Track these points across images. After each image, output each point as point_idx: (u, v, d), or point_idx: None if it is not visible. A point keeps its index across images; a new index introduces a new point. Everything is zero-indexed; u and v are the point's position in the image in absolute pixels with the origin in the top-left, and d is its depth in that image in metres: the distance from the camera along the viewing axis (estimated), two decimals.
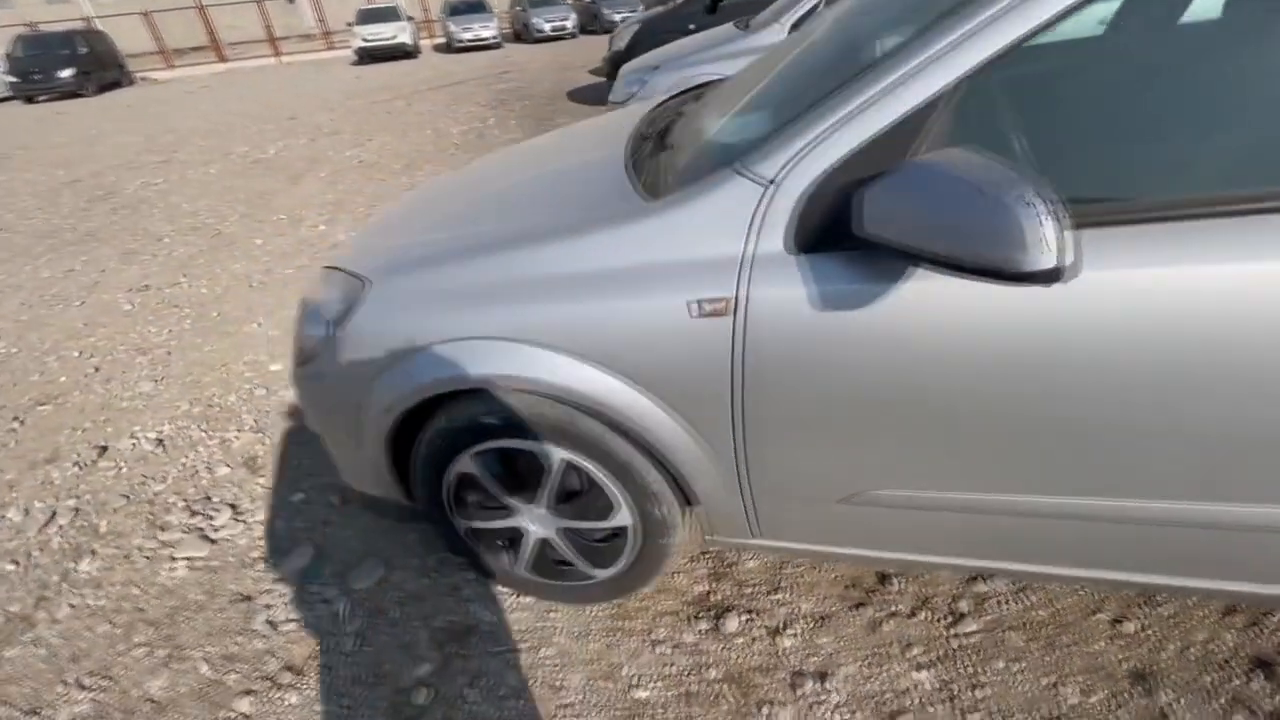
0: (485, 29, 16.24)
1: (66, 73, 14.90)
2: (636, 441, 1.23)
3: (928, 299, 0.94)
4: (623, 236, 1.11)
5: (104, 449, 2.37)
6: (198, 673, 1.51)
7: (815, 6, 3.79)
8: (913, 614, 1.49)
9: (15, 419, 2.61)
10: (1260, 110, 0.91)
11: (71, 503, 2.11)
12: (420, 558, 1.75)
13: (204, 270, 4.03)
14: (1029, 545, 1.17)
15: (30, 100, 15.00)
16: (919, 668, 1.37)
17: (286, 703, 1.43)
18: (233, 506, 2.00)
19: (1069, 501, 1.04)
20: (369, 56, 16.18)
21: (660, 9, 7.55)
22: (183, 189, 6.01)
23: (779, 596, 1.56)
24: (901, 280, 0.95)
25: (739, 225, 1.02)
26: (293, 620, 1.61)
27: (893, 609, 1.50)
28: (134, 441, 2.39)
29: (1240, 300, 0.81)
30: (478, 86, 10.47)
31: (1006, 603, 1.48)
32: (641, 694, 1.38)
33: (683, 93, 2.02)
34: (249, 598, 1.69)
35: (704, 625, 1.51)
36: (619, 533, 1.40)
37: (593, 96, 8.37)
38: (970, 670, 1.36)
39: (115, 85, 16.63)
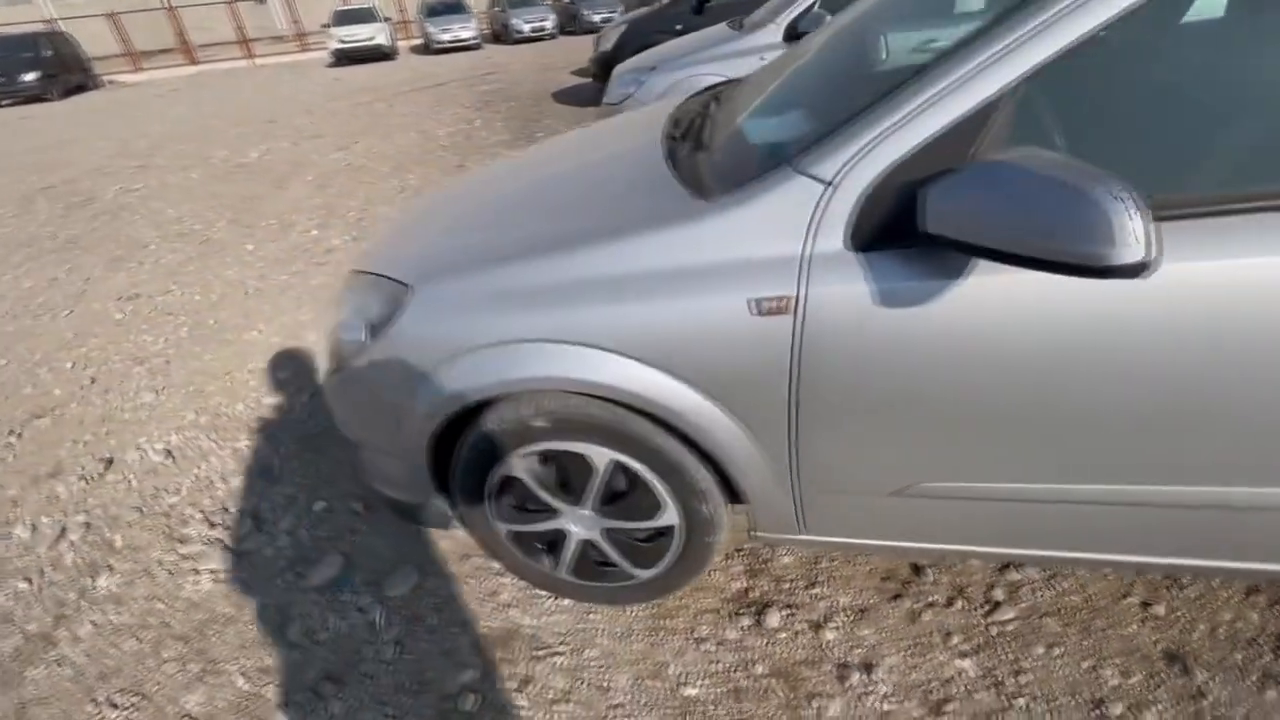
0: (464, 30, 16.12)
1: (30, 76, 14.46)
2: (687, 440, 1.24)
3: (989, 294, 0.96)
4: (678, 237, 1.12)
5: (110, 462, 2.31)
6: (234, 686, 1.49)
7: (810, 6, 3.83)
8: (949, 603, 1.52)
9: (11, 433, 2.53)
10: None
11: (81, 518, 2.05)
12: (454, 563, 1.74)
13: (196, 277, 3.94)
14: (1074, 532, 1.20)
15: None
16: (961, 656, 1.40)
17: (330, 713, 1.41)
18: (254, 517, 1.97)
19: (1121, 489, 1.08)
20: (345, 58, 15.95)
21: (646, 10, 7.57)
22: (164, 194, 5.87)
23: (817, 590, 1.58)
24: (962, 277, 0.97)
25: (798, 224, 1.04)
26: (328, 630, 1.59)
27: (930, 599, 1.53)
28: (141, 453, 2.33)
29: None
30: (460, 88, 10.38)
31: (1040, 590, 1.52)
32: (690, 691, 1.39)
33: (703, 92, 2.03)
34: (280, 608, 1.67)
35: (746, 621, 1.52)
36: (664, 532, 1.40)
37: (579, 97, 8.35)
38: (1011, 657, 1.39)
39: (81, 89, 16.19)
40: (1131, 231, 0.71)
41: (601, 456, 1.31)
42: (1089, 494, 1.10)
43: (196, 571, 1.80)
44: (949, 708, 1.30)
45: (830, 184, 1.01)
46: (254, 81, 14.64)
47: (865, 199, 1.00)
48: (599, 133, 2.01)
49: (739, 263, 1.07)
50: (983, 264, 0.96)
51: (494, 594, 1.65)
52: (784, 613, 1.53)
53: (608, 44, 7.21)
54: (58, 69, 15.16)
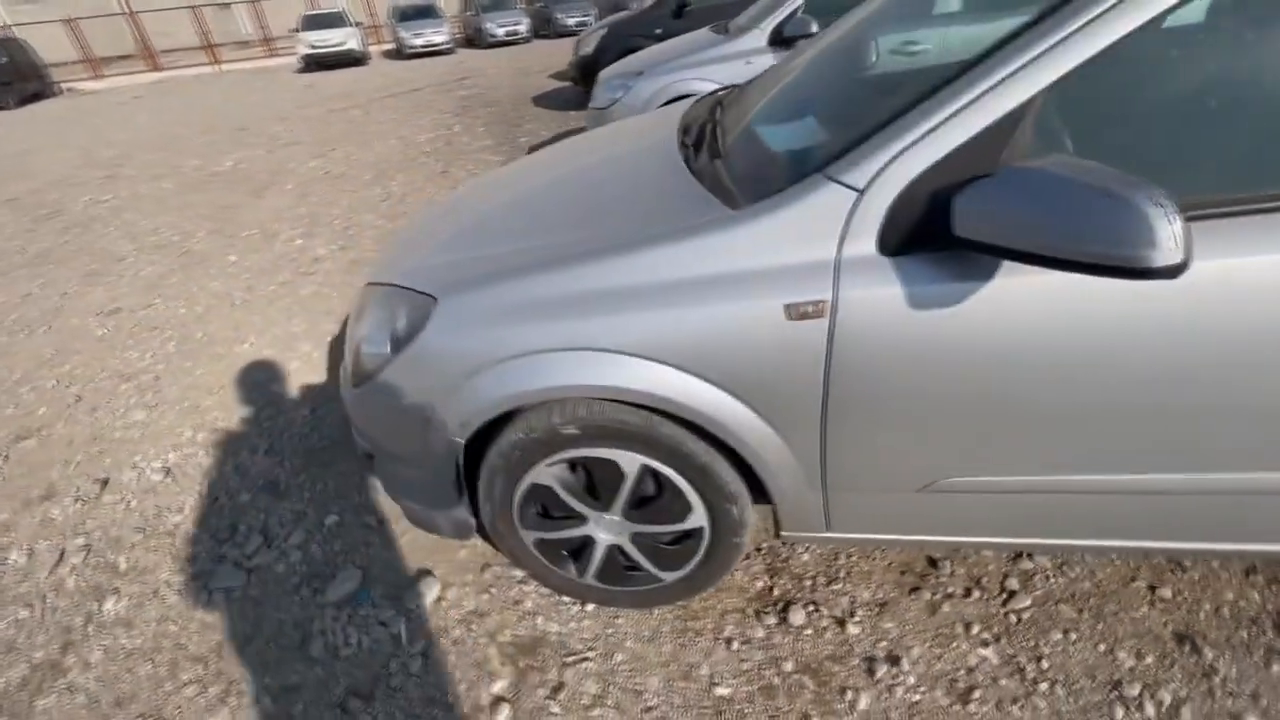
0: (437, 34, 15.98)
1: None
2: (716, 443, 1.26)
3: (1017, 295, 1.00)
4: (711, 245, 1.14)
5: (105, 482, 2.25)
6: (259, 707, 1.46)
7: (794, 12, 3.89)
8: (967, 594, 1.56)
9: None
10: None
11: (80, 541, 2.00)
12: (474, 573, 1.73)
13: (178, 290, 3.85)
14: (1092, 520, 1.25)
15: None
16: (983, 644, 1.44)
17: None
18: (263, 533, 1.94)
19: (1141, 478, 1.12)
20: (316, 64, 15.69)
21: (626, 14, 7.60)
22: (137, 205, 5.72)
23: (838, 586, 1.61)
24: (990, 279, 1.01)
25: (830, 230, 1.07)
26: (351, 645, 1.58)
27: (947, 590, 1.57)
28: (138, 472, 2.28)
29: None
30: (437, 93, 10.29)
31: (1052, 577, 1.57)
32: (722, 691, 1.41)
33: (707, 98, 2.05)
34: (299, 625, 1.64)
35: (771, 620, 1.55)
36: (691, 534, 1.42)
37: (559, 102, 8.35)
38: (1030, 644, 1.43)
39: (38, 97, 15.67)
40: (1171, 235, 0.75)
41: (632, 462, 1.32)
42: (1109, 484, 1.15)
43: (209, 590, 1.77)
44: (975, 695, 1.34)
45: (862, 191, 1.04)
46: (221, 88, 14.33)
47: (895, 205, 1.03)
48: (610, 139, 2.02)
49: (773, 269, 1.09)
50: (1009, 266, 1.00)
51: (518, 602, 1.65)
52: (807, 609, 1.56)
53: (588, 48, 7.22)
54: (12, 76, 14.66)
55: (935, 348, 1.06)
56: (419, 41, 15.95)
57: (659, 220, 1.24)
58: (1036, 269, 0.96)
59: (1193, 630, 1.43)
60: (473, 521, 1.54)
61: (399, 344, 1.36)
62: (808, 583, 1.63)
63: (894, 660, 1.43)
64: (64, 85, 16.93)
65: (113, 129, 10.12)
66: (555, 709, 1.40)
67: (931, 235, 1.02)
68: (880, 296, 1.05)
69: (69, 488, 2.24)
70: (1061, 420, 1.08)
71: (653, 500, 1.39)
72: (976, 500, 1.25)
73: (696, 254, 1.14)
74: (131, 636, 1.66)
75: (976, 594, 1.56)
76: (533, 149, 6.17)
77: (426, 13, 16.99)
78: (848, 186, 1.05)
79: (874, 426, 1.16)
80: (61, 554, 1.95)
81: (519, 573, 1.72)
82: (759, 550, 1.72)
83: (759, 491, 1.37)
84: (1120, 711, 1.29)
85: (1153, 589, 1.53)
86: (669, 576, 1.50)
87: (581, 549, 1.52)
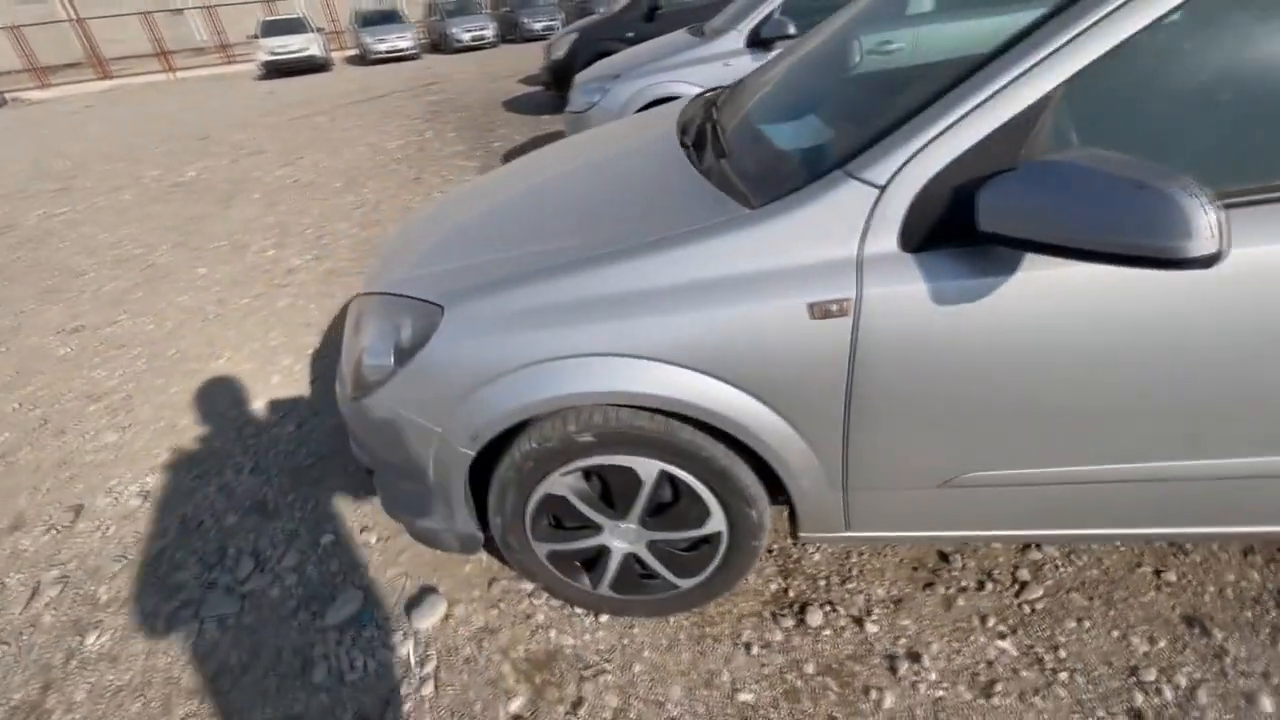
0: (402, 40, 15.76)
1: None
2: (736, 445, 1.25)
3: (1042, 288, 1.00)
4: (730, 245, 1.12)
5: (79, 509, 2.14)
6: None
7: (771, 13, 3.92)
8: (980, 587, 1.57)
9: None
10: None
11: (55, 573, 1.89)
12: (481, 588, 1.68)
13: (145, 305, 3.70)
14: (1108, 511, 1.26)
15: None
16: (1000, 637, 1.45)
17: None
18: (254, 556, 1.86)
19: (1163, 465, 1.14)
20: (276, 70, 15.34)
21: (597, 17, 7.57)
22: (95, 218, 5.50)
23: (852, 585, 1.61)
24: (1016, 273, 1.01)
25: (852, 228, 1.06)
26: (356, 670, 1.52)
27: (961, 584, 1.58)
28: (114, 497, 2.17)
29: None
30: (405, 99, 10.13)
31: (1061, 567, 1.59)
32: (746, 697, 1.39)
33: (700, 97, 2.04)
34: (299, 651, 1.58)
35: (788, 622, 1.53)
36: (708, 539, 1.40)
37: (531, 107, 8.28)
38: (1046, 634, 1.45)
39: None
40: (1207, 225, 0.76)
41: (649, 468, 1.30)
42: (1127, 472, 1.16)
43: (199, 618, 1.68)
44: (998, 688, 1.35)
45: (882, 187, 1.03)
46: (177, 96, 13.90)
47: (916, 201, 1.02)
48: (598, 142, 1.99)
49: (794, 268, 1.08)
50: (1033, 259, 1.00)
51: (528, 616, 1.60)
52: (824, 610, 1.55)
53: (560, 52, 7.17)
54: None
55: (960, 343, 1.06)
56: (383, 47, 15.71)
57: (672, 222, 1.22)
58: (1061, 262, 0.98)
59: (1200, 612, 1.46)
60: (481, 535, 1.50)
61: (403, 355, 1.31)
62: (822, 582, 1.62)
63: (915, 657, 1.43)
64: (7, 95, 16.22)
65: (63, 140, 9.73)
66: None
67: (953, 231, 1.02)
68: (904, 293, 1.04)
69: (39, 516, 2.12)
70: (1086, 411, 1.09)
71: (670, 506, 1.37)
72: (996, 494, 1.25)
73: (715, 254, 1.12)
74: (118, 672, 1.57)
75: (990, 586, 1.56)
76: (508, 154, 6.11)
77: (390, 18, 16.76)
78: (868, 183, 1.04)
79: (897, 423, 1.15)
80: (36, 588, 1.84)
81: (527, 585, 1.67)
82: (770, 552, 1.71)
83: (776, 493, 1.36)
84: (1140, 697, 1.30)
85: (1158, 573, 1.56)
86: (686, 583, 1.48)
87: (596, 559, 1.48)
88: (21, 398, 2.86)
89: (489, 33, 16.46)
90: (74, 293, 3.99)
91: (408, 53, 15.84)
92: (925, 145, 1.01)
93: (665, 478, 1.31)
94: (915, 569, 1.63)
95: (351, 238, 4.38)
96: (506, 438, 1.32)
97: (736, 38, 4.02)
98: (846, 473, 1.24)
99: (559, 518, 1.44)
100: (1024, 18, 1.04)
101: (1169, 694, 1.31)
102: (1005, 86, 0.96)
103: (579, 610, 1.60)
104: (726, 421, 1.18)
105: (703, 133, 1.61)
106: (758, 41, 3.96)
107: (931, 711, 1.33)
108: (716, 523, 1.36)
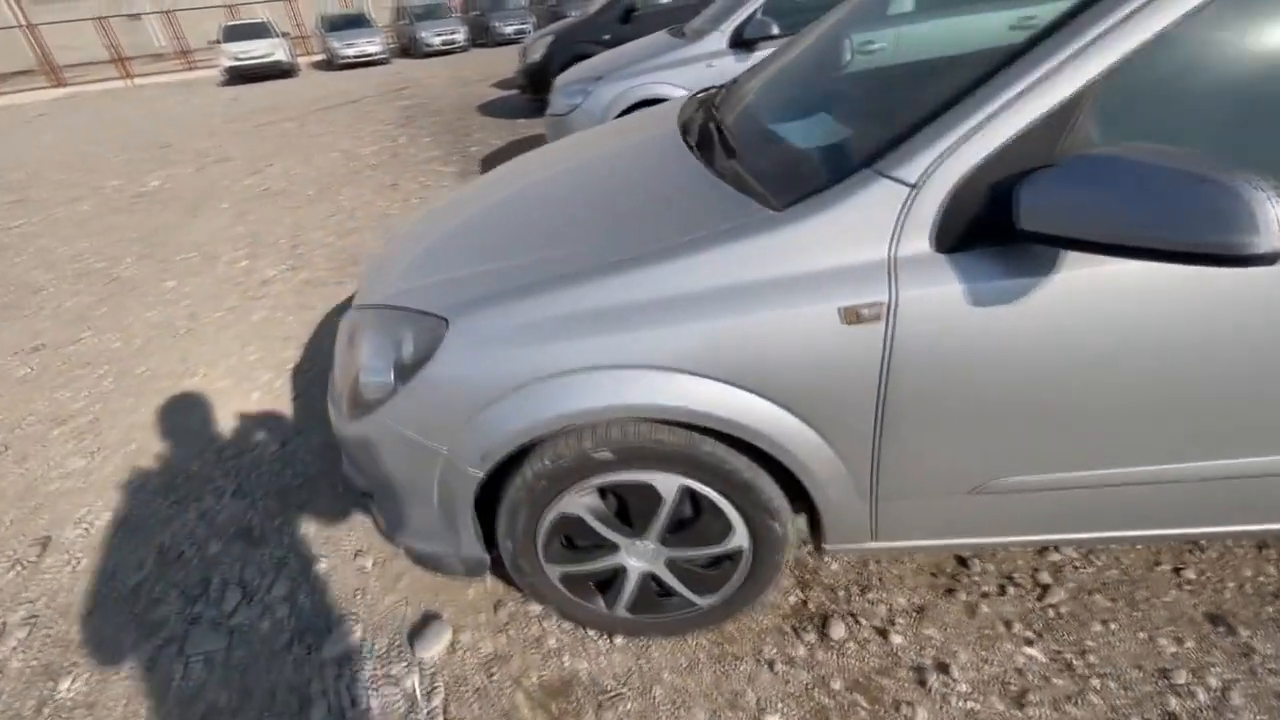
0: (370, 44, 15.48)
1: None
2: (762, 457, 1.19)
3: (1084, 287, 0.97)
4: (755, 248, 1.07)
5: (46, 541, 2.00)
6: None
7: (754, 13, 3.90)
8: (1001, 592, 1.54)
9: None
10: None
11: (22, 613, 1.76)
12: (487, 612, 1.60)
13: (110, 321, 3.53)
14: (1136, 512, 1.24)
15: None
16: (1027, 643, 1.42)
17: None
18: (241, 587, 1.75)
19: (1194, 466, 1.11)
20: (240, 76, 14.95)
21: (572, 20, 7.51)
22: (53, 230, 5.25)
23: (872, 595, 1.56)
24: (1055, 272, 0.97)
25: (883, 229, 1.01)
26: (358, 707, 1.43)
27: (982, 590, 1.55)
28: (84, 528, 2.04)
29: None
30: (376, 104, 9.94)
31: (1081, 568, 1.57)
32: (773, 718, 1.33)
33: (697, 96, 1.98)
34: (295, 689, 1.48)
35: (811, 636, 1.48)
36: (730, 555, 1.35)
37: (506, 110, 8.18)
38: (1073, 638, 1.42)
39: None
40: (1275, 219, 0.72)
41: (670, 484, 1.24)
42: (1160, 474, 1.13)
43: (184, 655, 1.57)
44: (1030, 697, 1.31)
45: (914, 186, 0.99)
46: (136, 103, 13.46)
47: (949, 199, 0.98)
48: (602, 140, 1.93)
49: (824, 271, 1.03)
50: (1073, 258, 0.97)
51: (539, 640, 1.53)
52: (847, 622, 1.50)
53: (535, 55, 7.09)
54: None
55: (997, 345, 1.02)
56: (351, 52, 15.42)
57: (688, 225, 1.16)
58: (1101, 260, 0.95)
59: (1223, 610, 1.45)
60: (487, 558, 1.42)
61: (405, 372, 1.23)
62: (841, 593, 1.58)
63: (943, 668, 1.39)
64: None
65: (16, 149, 9.33)
66: None
67: (988, 229, 0.99)
68: (939, 295, 1.00)
69: (2, 551, 1.98)
70: (1127, 412, 1.06)
71: (690, 522, 1.31)
72: (1026, 499, 1.22)
73: (740, 259, 1.07)
74: None
75: (1011, 591, 1.54)
76: (486, 159, 6.01)
77: (357, 22, 16.46)
78: (900, 182, 1.00)
79: (931, 430, 1.11)
80: (1, 629, 1.71)
81: (536, 608, 1.60)
82: (786, 563, 1.66)
83: (799, 505, 1.31)
84: (1174, 701, 1.28)
85: (1177, 571, 1.54)
86: (706, 601, 1.42)
87: (611, 580, 1.42)
88: None
89: (460, 37, 16.26)
90: (32, 310, 3.79)
91: (376, 57, 15.56)
92: (959, 141, 0.97)
93: (686, 493, 1.25)
94: (934, 575, 1.60)
95: (328, 247, 4.24)
96: (516, 456, 1.24)
97: (719, 38, 3.99)
98: (876, 481, 1.20)
99: (571, 538, 1.37)
100: (1051, 7, 1.01)
101: (1203, 696, 1.29)
102: (1044, 77, 0.93)
103: (591, 632, 1.53)
104: (752, 433, 1.13)
105: (707, 133, 1.56)
106: (740, 42, 3.94)
107: None
108: (739, 538, 1.31)
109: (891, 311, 1.02)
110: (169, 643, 1.62)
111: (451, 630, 1.56)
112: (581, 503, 1.28)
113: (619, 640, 1.51)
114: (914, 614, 1.51)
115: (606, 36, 6.77)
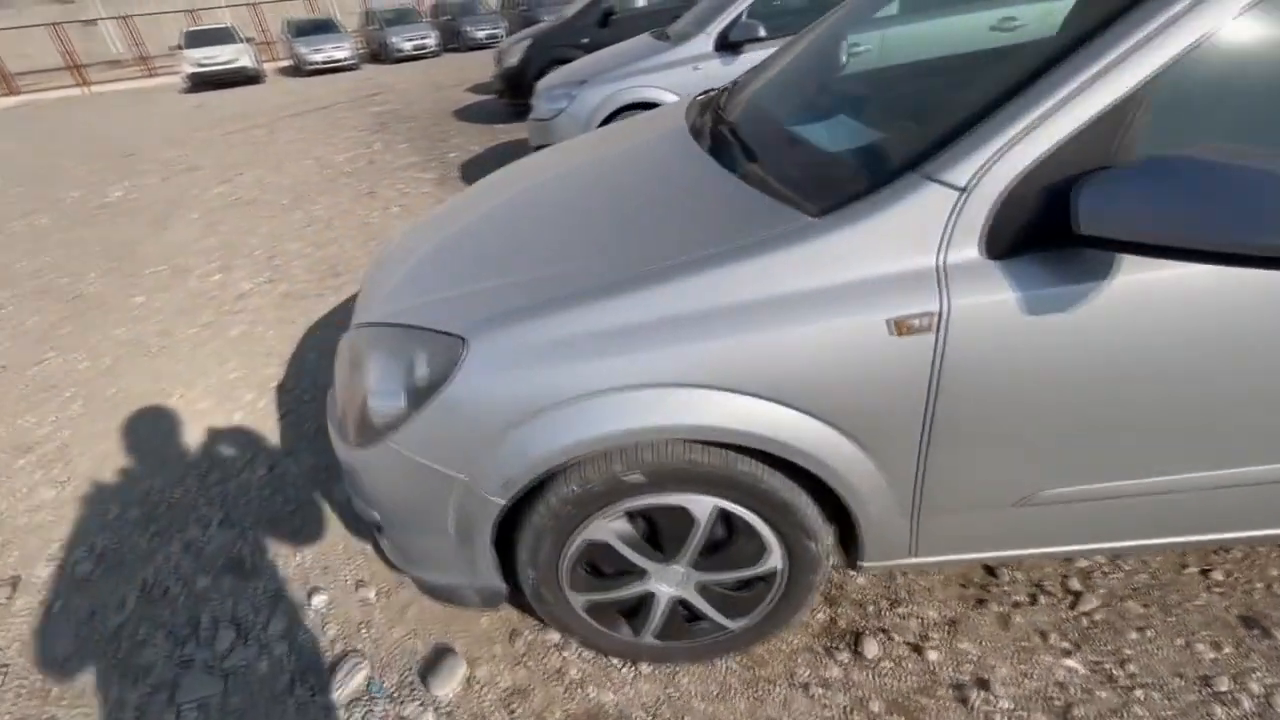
0: (339, 50, 15.18)
1: None
2: (799, 474, 1.14)
3: (1143, 292, 0.94)
4: (796, 257, 1.01)
5: (16, 581, 1.86)
6: None
7: (739, 16, 3.87)
8: (1033, 601, 1.51)
9: None
10: None
11: None
12: (502, 643, 1.52)
13: (75, 340, 3.35)
14: (1178, 518, 1.21)
15: None
16: (1065, 654, 1.39)
17: None
18: (235, 624, 1.64)
19: (1243, 471, 1.09)
20: (204, 83, 14.54)
21: (549, 24, 7.43)
22: (10, 245, 5.00)
23: (903, 609, 1.52)
24: (1112, 277, 0.94)
25: (931, 235, 0.97)
26: None
27: (1013, 600, 1.51)
28: (56, 564, 1.90)
29: None
30: (348, 110, 9.73)
31: (1109, 573, 1.55)
32: None
33: (699, 99, 1.93)
34: None
35: (844, 656, 1.43)
36: (764, 577, 1.29)
37: (484, 115, 8.06)
38: (1111, 647, 1.39)
39: None
40: None
41: (704, 506, 1.17)
42: (1207, 480, 1.11)
43: (175, 704, 1.46)
44: (1076, 712, 1.28)
45: (964, 190, 0.95)
46: (95, 111, 12.99)
47: (1000, 203, 0.94)
48: (608, 144, 1.86)
49: (872, 280, 0.98)
50: (1130, 263, 0.93)
51: (561, 672, 1.45)
52: (879, 639, 1.45)
53: (513, 59, 6.99)
54: None
55: (1051, 353, 0.98)
56: (319, 57, 15.11)
57: (718, 233, 1.10)
58: (1161, 264, 0.91)
59: (1255, 611, 1.43)
60: (505, 588, 1.34)
61: (418, 395, 1.15)
62: (871, 609, 1.53)
63: (983, 684, 1.35)
64: None
65: None
66: None
67: (1041, 234, 0.95)
68: (991, 303, 0.96)
69: None
70: (1181, 418, 1.02)
71: (723, 545, 1.25)
72: (1070, 509, 1.18)
73: (782, 269, 1.01)
74: None
75: (1043, 600, 1.50)
76: (465, 165, 5.89)
77: (325, 27, 16.15)
78: (949, 186, 0.95)
79: (980, 442, 1.07)
80: None
81: (554, 636, 1.52)
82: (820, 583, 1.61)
83: (836, 523, 1.26)
84: (1219, 710, 1.26)
85: (1205, 573, 1.53)
86: (737, 624, 1.36)
87: (638, 607, 1.35)
88: None
89: (431, 42, 16.05)
90: None
91: (346, 63, 15.27)
92: (1010, 143, 0.93)
93: (719, 515, 1.19)
94: (964, 586, 1.56)
95: (306, 257, 4.10)
96: (538, 481, 1.17)
97: (705, 41, 3.96)
98: (919, 496, 1.15)
99: (596, 565, 1.30)
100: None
101: (1247, 704, 1.26)
102: (1100, 73, 0.89)
103: (615, 660, 1.46)
104: (795, 450, 1.07)
105: (722, 136, 1.50)
106: (726, 45, 3.91)
107: None
108: (774, 559, 1.25)
109: (943, 321, 0.97)
110: (158, 690, 1.50)
111: (466, 664, 1.48)
112: (609, 528, 1.21)
113: (644, 668, 1.44)
114: (947, 627, 1.47)
115: (585, 40, 6.70)
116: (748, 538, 1.22)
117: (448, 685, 1.43)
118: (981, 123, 0.95)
